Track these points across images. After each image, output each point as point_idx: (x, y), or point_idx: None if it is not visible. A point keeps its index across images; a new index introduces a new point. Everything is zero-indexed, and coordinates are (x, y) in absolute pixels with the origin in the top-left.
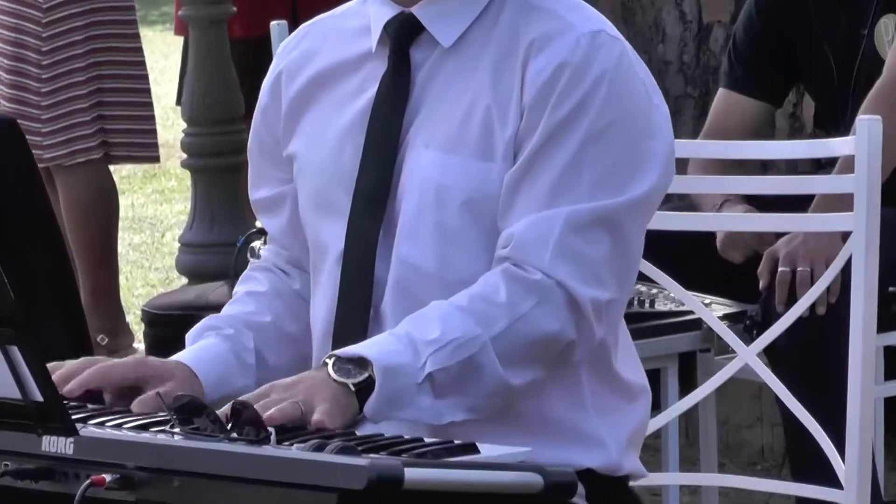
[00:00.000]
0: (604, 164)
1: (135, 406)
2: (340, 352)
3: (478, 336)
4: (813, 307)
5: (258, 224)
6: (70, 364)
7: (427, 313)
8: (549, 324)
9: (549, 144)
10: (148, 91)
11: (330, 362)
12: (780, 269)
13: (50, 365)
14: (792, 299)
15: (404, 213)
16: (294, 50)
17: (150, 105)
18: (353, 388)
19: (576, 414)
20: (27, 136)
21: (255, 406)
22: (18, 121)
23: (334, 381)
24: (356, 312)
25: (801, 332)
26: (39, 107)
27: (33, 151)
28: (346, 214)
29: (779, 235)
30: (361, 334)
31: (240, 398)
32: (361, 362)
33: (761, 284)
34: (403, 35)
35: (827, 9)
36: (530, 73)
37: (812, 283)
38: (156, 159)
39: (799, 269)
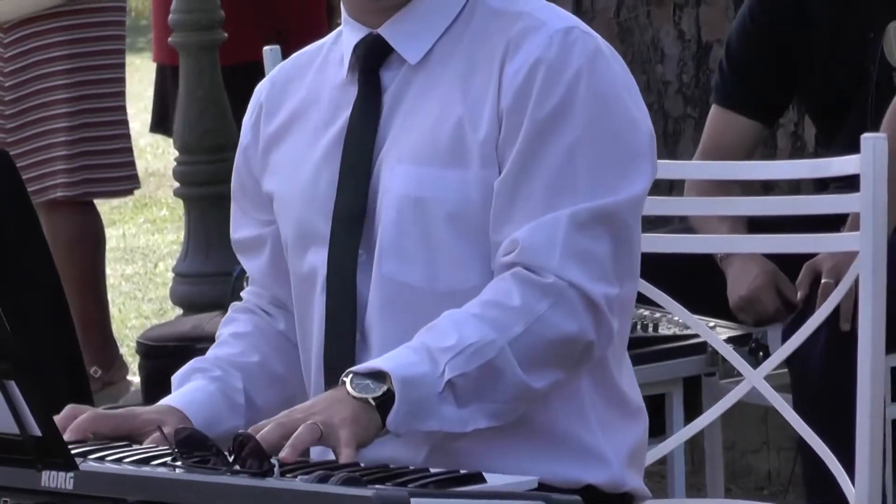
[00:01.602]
0: (595, 160)
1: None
2: (357, 368)
3: (494, 340)
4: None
5: None
6: (63, 413)
7: (441, 323)
8: (568, 325)
9: (537, 146)
10: (125, 123)
11: (347, 379)
12: (823, 280)
13: None
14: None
15: (383, 229)
16: (273, 87)
17: (128, 136)
18: (373, 403)
19: (578, 426)
20: None
21: (275, 426)
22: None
23: (354, 397)
24: (343, 337)
25: (816, 350)
26: (6, 143)
27: None
28: (326, 241)
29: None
30: (350, 359)
31: (246, 430)
32: (379, 376)
33: (799, 295)
34: (372, 57)
35: (830, 13)
36: (507, 75)
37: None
38: (130, 192)
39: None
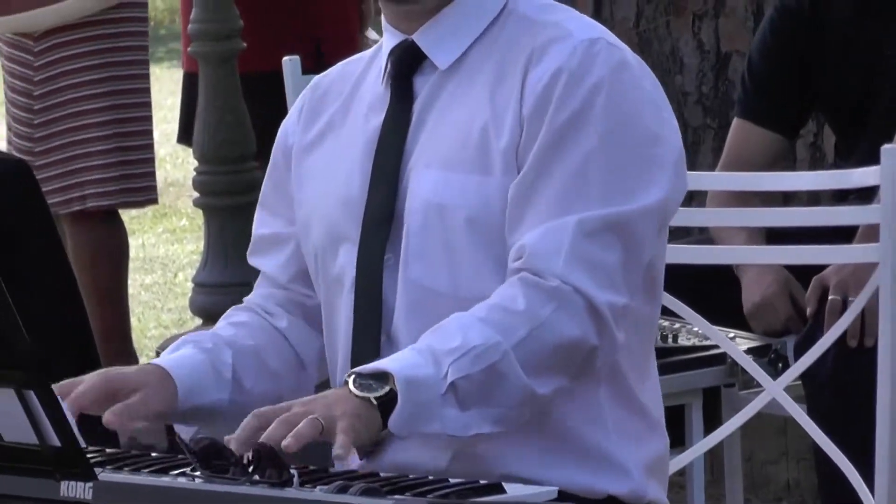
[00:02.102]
0: (609, 170)
1: (107, 417)
2: (360, 368)
3: (498, 343)
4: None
5: None
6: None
7: (446, 325)
8: (570, 329)
9: (553, 153)
10: (151, 133)
11: (350, 379)
12: (830, 297)
13: None
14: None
15: (410, 234)
16: (315, 93)
17: (152, 147)
18: (374, 402)
19: (599, 437)
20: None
21: (279, 425)
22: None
23: (356, 396)
24: (369, 338)
25: (837, 363)
26: (33, 153)
27: None
28: (356, 243)
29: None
30: (376, 360)
31: (262, 442)
32: (382, 376)
33: (808, 311)
34: (405, 63)
35: (848, 24)
36: (529, 82)
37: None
38: (153, 202)
39: (850, 298)
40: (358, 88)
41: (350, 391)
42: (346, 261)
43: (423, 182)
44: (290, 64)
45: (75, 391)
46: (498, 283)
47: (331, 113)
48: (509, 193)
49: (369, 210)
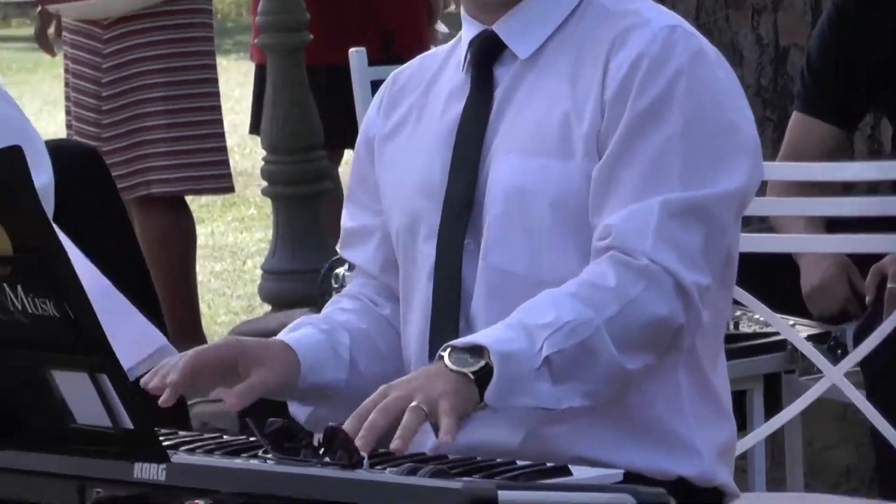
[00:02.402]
0: (690, 155)
1: (231, 401)
2: (455, 342)
3: (591, 319)
4: None
5: None
6: (167, 366)
7: (538, 301)
8: (659, 307)
9: (635, 137)
10: (221, 121)
11: (445, 353)
12: (889, 285)
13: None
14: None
15: (490, 219)
16: (395, 84)
17: (222, 135)
18: (471, 377)
19: (673, 418)
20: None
21: (380, 413)
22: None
23: (452, 371)
24: (448, 322)
25: (884, 354)
26: (100, 139)
27: None
28: (436, 230)
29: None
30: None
31: (333, 424)
32: (477, 350)
33: (867, 299)
34: (485, 53)
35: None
36: (611, 69)
37: None
38: (230, 190)
39: None
40: (436, 80)
41: (446, 366)
42: (425, 247)
43: (503, 168)
44: (357, 56)
45: (201, 346)
46: (579, 266)
47: (409, 104)
48: (593, 177)
49: (449, 196)
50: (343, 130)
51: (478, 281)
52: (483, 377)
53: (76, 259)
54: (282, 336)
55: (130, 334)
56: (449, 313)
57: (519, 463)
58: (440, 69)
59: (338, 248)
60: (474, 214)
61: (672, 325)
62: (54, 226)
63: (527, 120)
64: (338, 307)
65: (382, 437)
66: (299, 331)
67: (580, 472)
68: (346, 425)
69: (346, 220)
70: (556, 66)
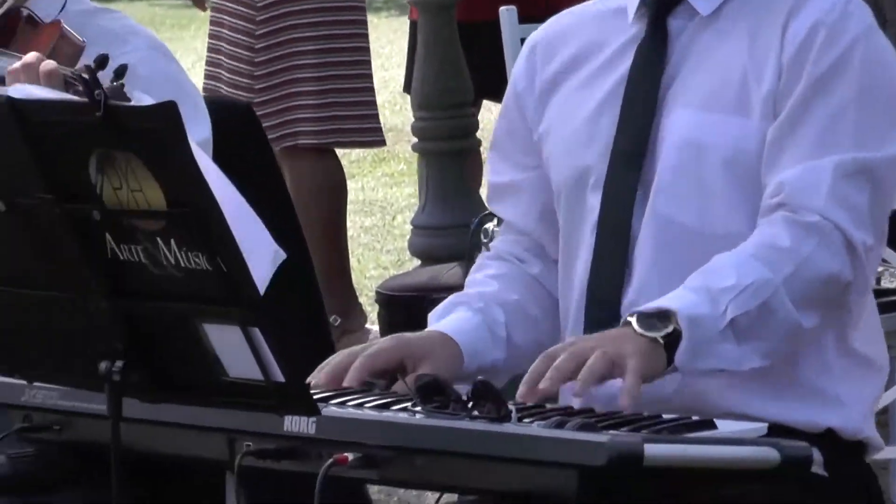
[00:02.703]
0: (863, 119)
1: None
2: (642, 308)
3: (770, 279)
4: None
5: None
6: (333, 362)
7: (716, 264)
8: (831, 264)
9: (811, 99)
10: (370, 76)
11: (633, 319)
12: None
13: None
14: None
15: (662, 170)
16: (548, 36)
17: (372, 90)
18: (661, 341)
19: (821, 375)
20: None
21: (568, 356)
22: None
23: (641, 335)
24: (613, 272)
25: None
26: (253, 90)
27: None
28: (601, 182)
29: None
30: (617, 293)
31: (481, 378)
32: (664, 315)
33: None
34: (662, 4)
35: None
36: (789, 33)
37: None
38: (381, 143)
39: None
40: (600, 30)
41: (635, 330)
42: (591, 198)
43: (680, 120)
44: (508, 14)
45: (368, 351)
46: (746, 222)
47: (568, 56)
48: (768, 136)
49: (618, 147)
50: (491, 87)
51: (644, 228)
52: (671, 342)
53: (228, 195)
54: (441, 324)
55: (258, 248)
56: (614, 261)
57: (664, 417)
58: (602, 19)
59: (487, 202)
60: (644, 165)
61: (841, 281)
62: (218, 170)
63: (705, 76)
64: (486, 274)
65: (567, 379)
66: (454, 314)
67: (725, 426)
68: (535, 365)
69: (492, 172)
70: (735, 25)
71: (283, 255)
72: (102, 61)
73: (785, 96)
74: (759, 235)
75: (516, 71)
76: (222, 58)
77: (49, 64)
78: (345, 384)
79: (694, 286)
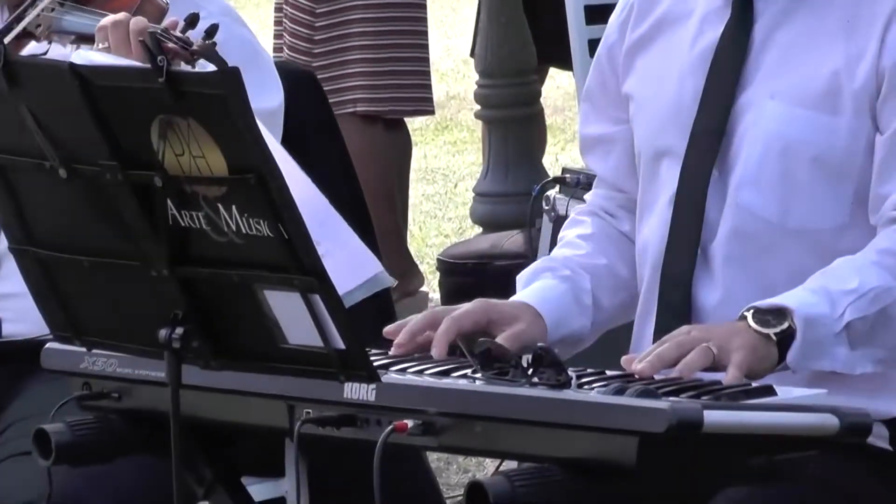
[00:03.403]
0: None
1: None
2: (759, 304)
3: (892, 287)
4: None
5: (567, 170)
6: (414, 320)
7: (838, 267)
8: None
9: None
10: (425, 46)
11: (749, 314)
12: None
13: (390, 327)
14: None
15: (746, 159)
16: None
17: (426, 60)
18: (773, 338)
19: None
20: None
21: (673, 346)
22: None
23: (755, 331)
24: (684, 251)
25: None
26: (312, 54)
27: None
28: (680, 154)
29: None
30: (689, 273)
31: (542, 344)
32: (780, 313)
33: None
34: None
35: None
36: (892, 35)
37: None
38: (429, 112)
39: None
40: None
41: (749, 325)
42: (668, 170)
43: (767, 112)
44: None
45: (454, 314)
46: (830, 218)
47: (661, 14)
48: (881, 143)
49: (699, 123)
50: (554, 54)
51: (724, 218)
52: (784, 339)
53: (298, 179)
54: (526, 293)
55: (347, 258)
56: (687, 243)
57: (724, 383)
58: None
59: (580, 153)
60: (723, 145)
61: None
62: (279, 146)
63: (793, 64)
64: (577, 234)
65: (668, 367)
66: (539, 281)
67: (785, 393)
68: (654, 351)
69: (583, 123)
70: (826, 12)
71: (388, 280)
72: (193, 20)
73: (892, 100)
74: (885, 242)
75: (612, 21)
76: (286, 22)
77: (140, 21)
78: (433, 351)
79: (814, 287)
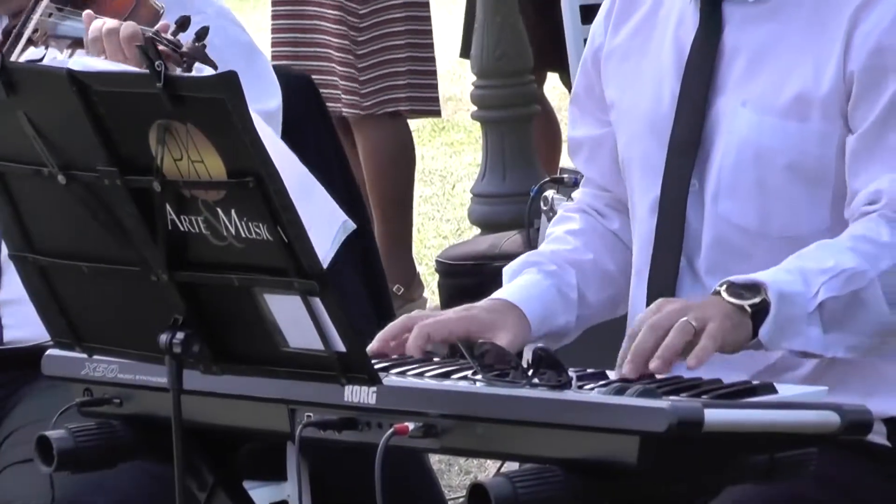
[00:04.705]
0: None
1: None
2: (733, 278)
3: (866, 271)
4: None
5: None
6: (387, 328)
7: (814, 250)
8: None
9: None
10: (432, 47)
11: (722, 288)
12: None
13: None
14: None
15: (720, 168)
16: None
17: (433, 61)
18: (748, 309)
19: (891, 367)
20: (345, 85)
21: (647, 332)
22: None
23: (729, 303)
24: (668, 262)
25: None
26: (354, 56)
27: (345, 99)
28: (660, 163)
29: None
30: (673, 280)
31: (541, 345)
32: (755, 287)
33: None
34: None
35: None
36: (858, 35)
37: None
38: (436, 114)
39: None
40: None
41: (723, 297)
42: (648, 179)
43: (739, 120)
44: None
45: (428, 320)
46: (808, 222)
47: (640, 19)
48: (851, 144)
49: (676, 132)
50: (549, 53)
51: (705, 228)
52: (758, 313)
53: (277, 150)
54: (508, 290)
55: (324, 222)
56: (671, 251)
57: (725, 382)
58: None
59: (568, 155)
60: (700, 155)
61: None
62: (278, 141)
63: (762, 71)
64: (566, 229)
65: (650, 357)
66: (524, 276)
67: (785, 390)
68: (623, 347)
69: (571, 125)
70: (791, 13)
71: (352, 225)
72: (184, 23)
73: (865, 101)
74: (860, 229)
75: (595, 26)
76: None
77: (129, 26)
78: (408, 352)
79: (788, 267)
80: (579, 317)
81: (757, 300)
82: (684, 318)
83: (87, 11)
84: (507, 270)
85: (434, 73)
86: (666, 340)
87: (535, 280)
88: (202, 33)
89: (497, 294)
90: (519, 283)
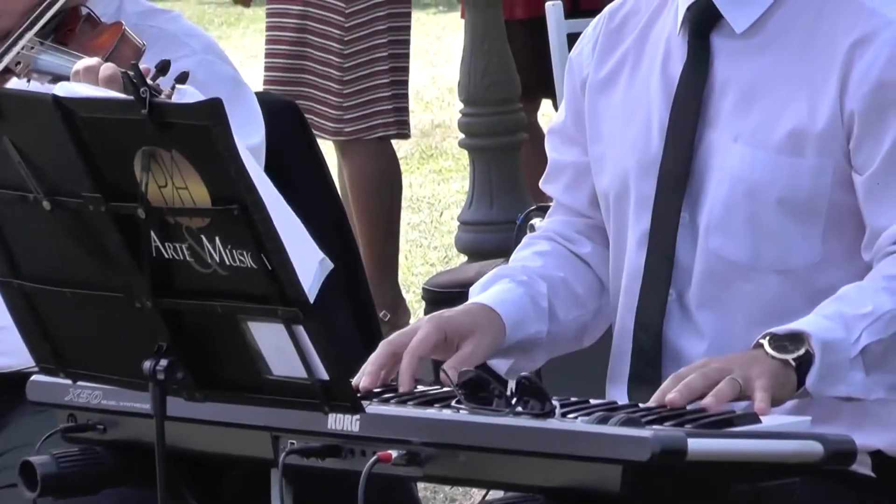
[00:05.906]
0: None
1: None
2: (775, 330)
3: None
4: None
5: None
6: (372, 357)
7: (850, 293)
8: None
9: None
10: (407, 71)
11: (765, 341)
12: None
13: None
14: None
15: (712, 204)
16: (611, 22)
17: (407, 84)
18: (792, 363)
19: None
20: (327, 111)
21: (699, 377)
22: (317, 95)
23: (772, 357)
24: (658, 292)
25: None
26: (341, 81)
27: (329, 125)
28: (649, 195)
29: None
30: (659, 320)
31: (525, 374)
32: (797, 338)
33: None
34: (702, 22)
35: None
36: (856, 73)
37: None
38: (404, 136)
39: None
40: (652, 26)
41: (766, 352)
42: (638, 213)
43: (731, 155)
44: (554, 9)
45: (412, 342)
46: (803, 255)
47: (626, 48)
48: (864, 186)
49: (665, 167)
50: (539, 82)
51: (696, 263)
52: (802, 364)
53: (273, 200)
54: (483, 296)
55: (305, 260)
56: (660, 284)
57: (709, 411)
58: (657, 13)
59: (541, 183)
60: (690, 188)
61: None
62: (262, 174)
63: (754, 106)
64: (532, 250)
65: (696, 398)
66: (497, 285)
67: (769, 420)
68: (665, 383)
69: (552, 150)
70: (781, 45)
71: (329, 265)
72: (164, 67)
73: (868, 144)
74: (887, 269)
75: (581, 53)
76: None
77: (109, 68)
78: (400, 389)
79: (828, 313)
80: (550, 331)
81: (801, 352)
82: (731, 376)
83: (75, 70)
84: (474, 287)
85: (407, 96)
86: (717, 389)
87: (507, 288)
88: (182, 78)
89: (471, 300)
90: (491, 291)
